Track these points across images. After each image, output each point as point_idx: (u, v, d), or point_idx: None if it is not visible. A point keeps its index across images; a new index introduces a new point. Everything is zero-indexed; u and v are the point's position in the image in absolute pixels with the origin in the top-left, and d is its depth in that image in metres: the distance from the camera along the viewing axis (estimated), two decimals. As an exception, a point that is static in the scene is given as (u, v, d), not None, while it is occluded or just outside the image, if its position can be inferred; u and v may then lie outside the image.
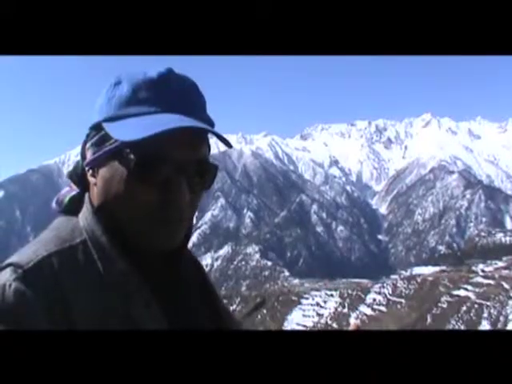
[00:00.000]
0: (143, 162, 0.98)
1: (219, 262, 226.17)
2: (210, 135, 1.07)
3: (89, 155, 1.07)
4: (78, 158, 1.12)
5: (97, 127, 1.06)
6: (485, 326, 57.14)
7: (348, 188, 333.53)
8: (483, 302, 62.51)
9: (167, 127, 0.94)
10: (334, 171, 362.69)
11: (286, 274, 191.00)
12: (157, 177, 1.00)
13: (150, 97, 1.02)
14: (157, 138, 0.94)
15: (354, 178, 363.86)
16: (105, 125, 1.03)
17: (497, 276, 70.95)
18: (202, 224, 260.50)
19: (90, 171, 1.07)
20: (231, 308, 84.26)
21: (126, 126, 1.00)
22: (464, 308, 63.59)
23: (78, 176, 1.13)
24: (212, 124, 1.08)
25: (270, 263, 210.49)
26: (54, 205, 1.14)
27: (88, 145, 1.08)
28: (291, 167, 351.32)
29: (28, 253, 0.98)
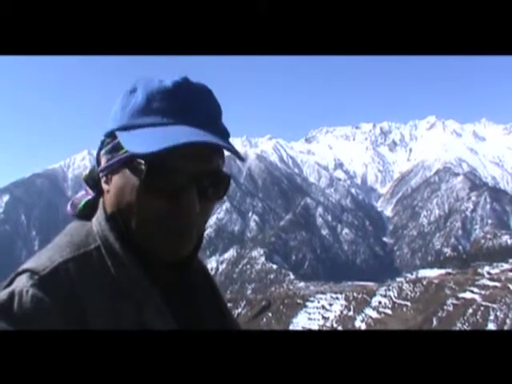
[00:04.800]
0: (155, 172, 0.99)
1: (224, 265, 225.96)
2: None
3: (103, 162, 1.08)
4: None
5: (111, 135, 1.07)
6: (491, 328, 56.91)
7: (353, 191, 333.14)
8: (489, 305, 62.31)
9: (178, 142, 0.94)
10: (339, 174, 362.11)
11: (292, 277, 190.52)
12: (168, 187, 1.00)
13: (163, 107, 1.02)
14: (167, 151, 0.94)
15: (358, 180, 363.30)
16: (118, 133, 1.04)
17: (503, 278, 70.73)
18: (207, 227, 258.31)
19: (104, 178, 1.09)
20: (237, 311, 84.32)
21: (138, 137, 1.00)
22: (470, 310, 63.40)
23: (94, 181, 1.14)
24: (227, 133, 1.08)
25: (275, 266, 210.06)
26: (68, 208, 1.16)
27: (102, 152, 1.09)
28: (296, 170, 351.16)
29: (43, 259, 1.00)
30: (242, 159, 1.07)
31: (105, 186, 1.09)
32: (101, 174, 1.10)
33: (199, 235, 1.10)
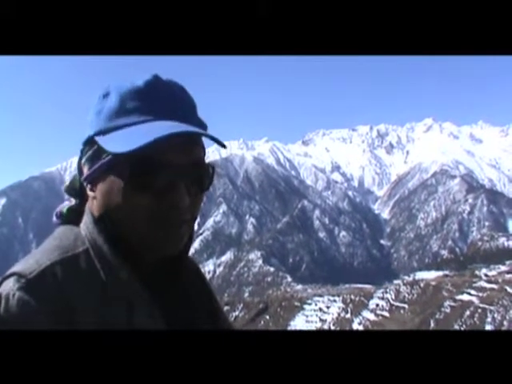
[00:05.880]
0: (138, 171, 0.99)
1: (221, 268, 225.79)
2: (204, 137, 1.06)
3: (85, 170, 1.07)
4: (75, 172, 1.13)
5: (89, 142, 1.06)
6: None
7: (350, 193, 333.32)
8: (487, 307, 62.34)
9: (157, 135, 0.94)
10: (336, 176, 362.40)
11: (289, 279, 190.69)
12: (154, 184, 1.00)
13: (138, 106, 1.02)
14: (150, 145, 0.94)
15: (355, 183, 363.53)
16: (97, 138, 1.03)
17: (500, 280, 70.76)
18: (204, 230, 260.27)
19: (89, 186, 1.08)
20: (234, 314, 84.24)
21: (117, 138, 1.00)
22: (467, 313, 63.41)
23: (75, 190, 1.15)
24: (204, 126, 1.08)
25: (272, 269, 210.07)
26: (54, 219, 1.15)
27: (83, 160, 1.08)
28: (293, 173, 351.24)
29: (31, 262, 0.99)
30: (224, 146, 1.06)
31: (90, 193, 1.08)
32: (85, 183, 1.09)
33: (190, 229, 1.09)
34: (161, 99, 1.04)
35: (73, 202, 1.16)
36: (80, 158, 1.10)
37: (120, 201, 1.01)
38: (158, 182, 1.00)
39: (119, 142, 0.98)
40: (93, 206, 1.08)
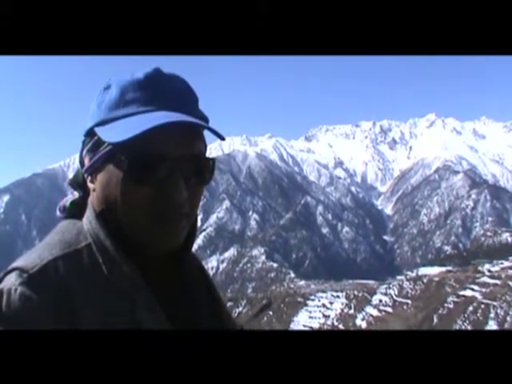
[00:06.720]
0: (137, 162, 0.98)
1: (225, 264, 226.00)
2: (206, 131, 1.06)
3: (86, 162, 1.08)
4: (79, 165, 1.15)
5: (90, 133, 1.07)
6: (492, 326, 57.01)
7: (353, 189, 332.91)
8: (490, 302, 62.35)
9: (154, 124, 0.94)
10: (339, 172, 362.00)
11: (292, 275, 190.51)
12: (152, 176, 0.99)
13: (138, 97, 1.02)
14: (149, 136, 0.94)
15: (358, 178, 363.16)
16: (96, 129, 1.04)
17: (503, 276, 70.72)
18: (208, 226, 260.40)
19: (89, 177, 1.08)
20: (237, 310, 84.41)
21: (115, 128, 1.00)
22: (470, 308, 63.44)
23: (79, 183, 1.15)
24: (205, 119, 1.07)
25: (275, 265, 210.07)
26: (58, 212, 1.15)
27: (84, 152, 1.08)
28: (296, 169, 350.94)
29: (33, 257, 0.98)
30: (223, 138, 1.04)
31: (91, 185, 1.08)
32: (86, 175, 1.09)
33: (191, 222, 1.09)
34: (161, 91, 1.03)
35: (76, 195, 1.15)
36: (82, 150, 1.10)
37: (118, 192, 1.00)
38: (157, 175, 0.99)
39: (116, 132, 0.98)
40: (93, 199, 1.08)
